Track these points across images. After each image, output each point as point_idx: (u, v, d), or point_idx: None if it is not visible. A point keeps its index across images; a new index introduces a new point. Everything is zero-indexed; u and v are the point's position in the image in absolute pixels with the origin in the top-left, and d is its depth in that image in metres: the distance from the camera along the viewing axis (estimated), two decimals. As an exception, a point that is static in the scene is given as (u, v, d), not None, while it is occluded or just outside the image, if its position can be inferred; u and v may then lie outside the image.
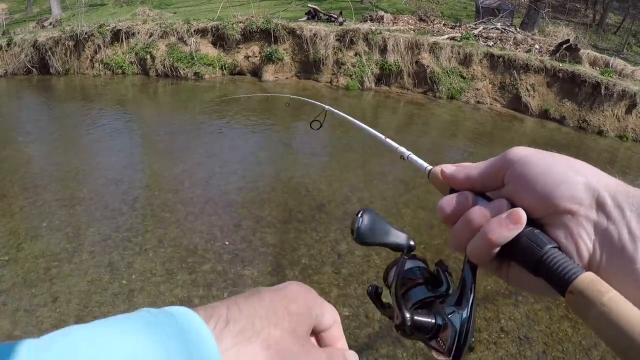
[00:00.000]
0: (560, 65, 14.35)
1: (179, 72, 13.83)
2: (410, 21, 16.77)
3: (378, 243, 0.57)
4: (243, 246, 5.37)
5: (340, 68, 13.52)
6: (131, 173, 7.33)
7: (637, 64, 18.16)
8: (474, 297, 0.54)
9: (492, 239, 0.49)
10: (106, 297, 4.50)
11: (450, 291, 0.58)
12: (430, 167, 0.68)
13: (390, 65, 13.37)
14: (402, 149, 0.92)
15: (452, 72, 13.65)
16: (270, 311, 0.43)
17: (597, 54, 16.97)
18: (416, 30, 15.16)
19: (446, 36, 14.74)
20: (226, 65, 14.15)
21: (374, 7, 18.80)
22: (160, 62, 13.80)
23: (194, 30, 14.21)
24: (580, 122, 14.07)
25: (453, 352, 0.52)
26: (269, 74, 13.70)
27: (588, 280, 0.43)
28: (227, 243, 5.41)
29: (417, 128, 11.35)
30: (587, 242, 0.47)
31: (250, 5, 15.78)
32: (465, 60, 13.93)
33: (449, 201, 0.55)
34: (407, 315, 0.54)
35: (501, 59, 13.99)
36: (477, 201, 0.54)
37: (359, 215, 0.57)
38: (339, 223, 6.06)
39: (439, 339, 0.53)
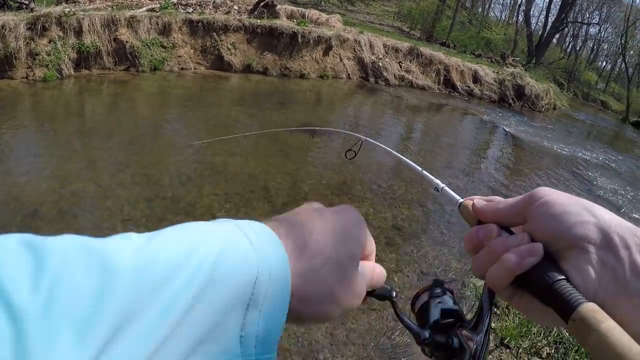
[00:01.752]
0: (259, 21, 15.27)
1: None
2: (107, -3, 16.31)
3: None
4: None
5: (35, 59, 12.61)
6: None
7: (331, 12, 20.20)
8: (489, 322, 0.60)
9: (510, 267, 0.53)
10: None
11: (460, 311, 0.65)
12: (461, 200, 0.71)
13: (88, 47, 12.82)
14: (437, 181, 0.94)
15: (153, 43, 13.57)
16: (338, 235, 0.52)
17: (294, 7, 18.47)
18: (114, 7, 14.82)
19: (145, 8, 14.60)
20: None
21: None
22: None
23: None
24: (283, 69, 15.27)
25: None
26: (-45, 81, 12.30)
27: (589, 309, 0.47)
28: None
29: (124, 106, 11.15)
30: (593, 276, 0.50)
31: None
32: (165, 30, 13.97)
33: (475, 231, 0.60)
34: (427, 334, 0.61)
35: (200, 23, 14.35)
36: (501, 234, 0.58)
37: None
38: (57, 223, 5.72)
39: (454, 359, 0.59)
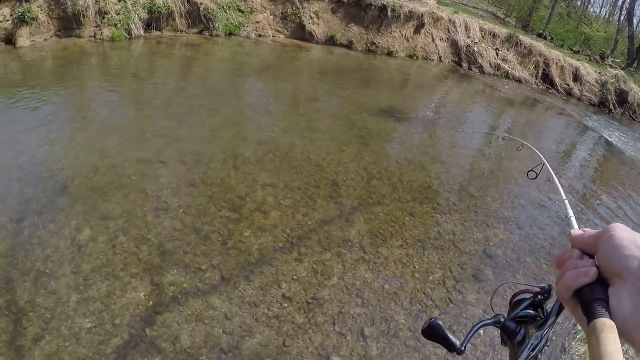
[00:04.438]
0: (345, -10, 13.91)
1: None
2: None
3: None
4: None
5: (103, 18, 11.81)
6: None
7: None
8: (551, 325, 0.80)
9: (567, 282, 0.65)
10: None
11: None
12: (574, 229, 0.83)
13: (159, 7, 11.92)
14: (570, 211, 1.06)
15: (229, 6, 12.51)
16: None
17: (384, -22, 16.93)
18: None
19: (224, -29, 13.62)
20: (-26, 37, 11.78)
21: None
22: None
23: None
24: (369, 45, 13.86)
25: None
26: (24, 38, 11.52)
27: (602, 322, 0.57)
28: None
29: (192, 72, 10.18)
30: (626, 302, 0.59)
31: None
32: (243, -7, 12.92)
33: (561, 252, 0.72)
34: (502, 319, 0.87)
35: (281, -13, 13.20)
36: (582, 257, 0.69)
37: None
38: (83, 204, 4.79)
39: (515, 346, 0.79)
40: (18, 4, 11.53)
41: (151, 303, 3.68)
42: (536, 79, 17.06)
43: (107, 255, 4.13)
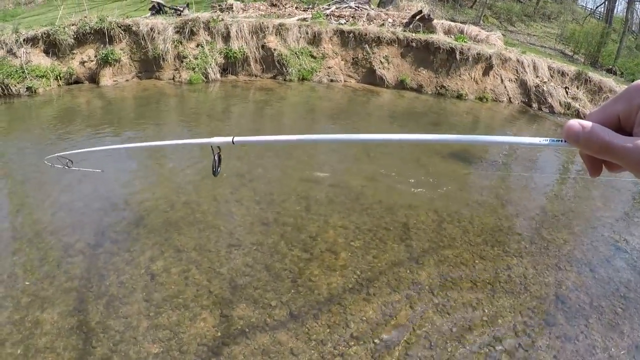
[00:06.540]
0: (413, 35, 14.08)
1: (11, 89, 12.20)
2: (261, 7, 16.02)
3: None
4: (45, 284, 4.25)
5: (182, 62, 12.51)
6: None
7: (491, 31, 18.43)
8: None
9: None
10: None
11: None
12: None
13: (235, 52, 12.54)
14: None
15: (302, 52, 12.99)
16: None
17: (452, 22, 17.02)
18: (265, 16, 14.49)
19: (296, 18, 14.13)
20: (61, 75, 12.62)
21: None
22: (-11, 80, 12.12)
23: (24, 40, 12.61)
24: (438, 88, 13.88)
25: None
26: (107, 78, 12.41)
27: None
28: (27, 283, 4.26)
29: (270, 113, 10.57)
30: None
31: (99, 8, 14.52)
32: (315, 39, 13.34)
33: None
34: None
35: (352, 34, 13.52)
36: None
37: None
38: (158, 236, 5.10)
39: None
40: (102, 46, 12.48)
41: (219, 334, 3.79)
42: (609, 118, 16.54)
43: (179, 286, 4.34)
